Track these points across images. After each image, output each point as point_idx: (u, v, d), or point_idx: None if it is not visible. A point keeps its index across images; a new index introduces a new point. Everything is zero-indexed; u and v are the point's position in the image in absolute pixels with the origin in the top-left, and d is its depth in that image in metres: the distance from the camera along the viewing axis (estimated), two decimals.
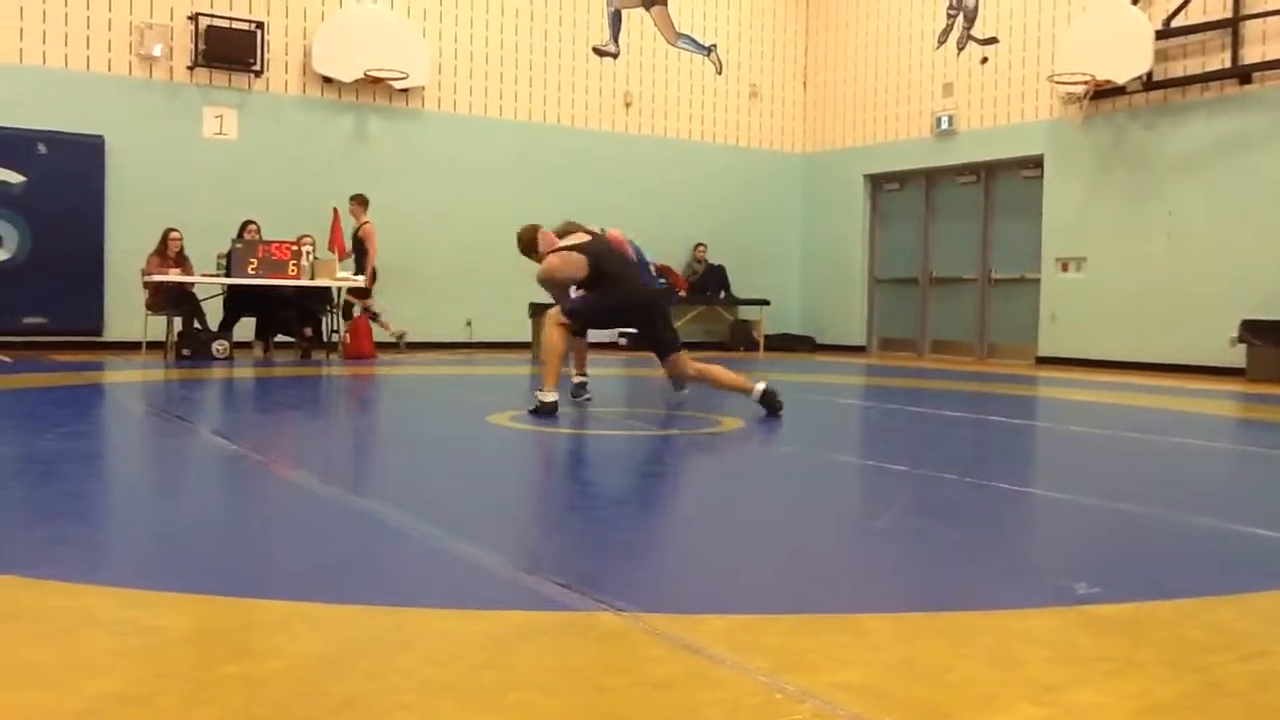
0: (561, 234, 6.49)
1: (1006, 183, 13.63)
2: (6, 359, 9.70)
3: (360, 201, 11.64)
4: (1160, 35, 11.56)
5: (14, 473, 4.18)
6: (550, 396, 5.93)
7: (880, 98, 14.82)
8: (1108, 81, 11.82)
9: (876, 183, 15.12)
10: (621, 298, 6.30)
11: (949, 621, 2.30)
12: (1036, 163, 12.99)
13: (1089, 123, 12.34)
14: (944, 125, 13.92)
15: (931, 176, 14.43)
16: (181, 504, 3.82)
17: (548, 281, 6.36)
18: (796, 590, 2.59)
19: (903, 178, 14.77)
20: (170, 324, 10.66)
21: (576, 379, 6.92)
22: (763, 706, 1.77)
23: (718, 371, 6.35)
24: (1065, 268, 12.63)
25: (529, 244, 6.47)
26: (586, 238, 6.41)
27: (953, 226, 14.24)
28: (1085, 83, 11.99)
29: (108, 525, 3.43)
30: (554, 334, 6.11)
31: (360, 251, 11.56)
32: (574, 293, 6.36)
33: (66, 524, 3.26)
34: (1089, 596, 2.48)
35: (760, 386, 6.14)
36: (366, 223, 11.57)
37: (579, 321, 6.27)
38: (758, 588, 2.60)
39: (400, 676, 1.90)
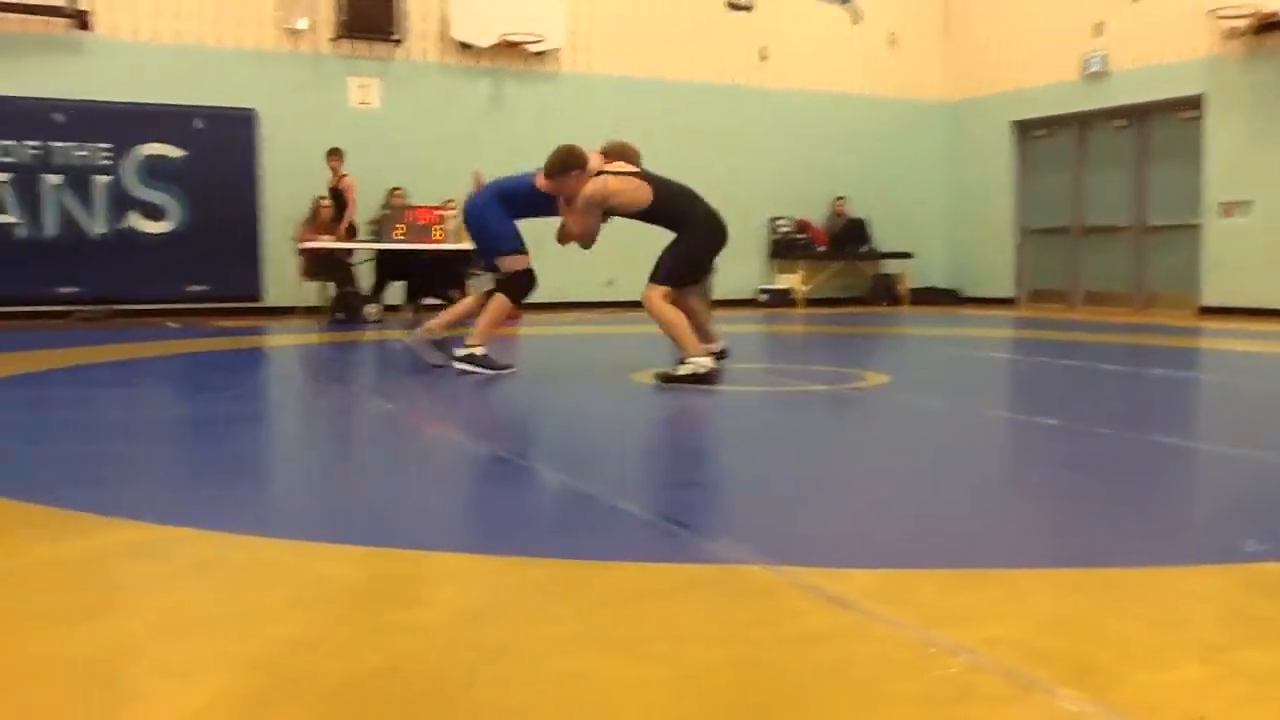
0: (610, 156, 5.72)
1: (1163, 125, 13.01)
2: (173, 325, 10.20)
3: (337, 155, 11.19)
4: None
5: (188, 433, 4.42)
6: (703, 362, 5.43)
7: (1026, 40, 14.27)
8: (1273, 13, 11.15)
9: (1024, 129, 14.61)
10: (711, 233, 5.65)
11: (1106, 578, 2.23)
12: (1195, 104, 12.35)
13: (1253, 58, 11.66)
14: (1094, 67, 13.34)
15: (1082, 121, 13.87)
16: (347, 461, 3.98)
17: (591, 205, 5.55)
18: (946, 545, 2.56)
19: (1051, 124, 14.23)
20: (324, 289, 11.05)
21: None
22: (915, 660, 1.76)
23: (679, 318, 5.56)
24: (1228, 213, 12.02)
25: (575, 160, 5.58)
26: (633, 168, 5.66)
27: (1105, 173, 13.68)
28: (1249, 15, 11.33)
29: (280, 482, 3.60)
30: (667, 310, 5.49)
31: (340, 205, 11.06)
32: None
33: (240, 481, 3.43)
34: (1258, 554, 2.38)
35: (702, 360, 5.40)
36: (345, 176, 11.15)
37: (684, 281, 5.64)
38: (906, 542, 2.57)
39: (552, 626, 1.95)
